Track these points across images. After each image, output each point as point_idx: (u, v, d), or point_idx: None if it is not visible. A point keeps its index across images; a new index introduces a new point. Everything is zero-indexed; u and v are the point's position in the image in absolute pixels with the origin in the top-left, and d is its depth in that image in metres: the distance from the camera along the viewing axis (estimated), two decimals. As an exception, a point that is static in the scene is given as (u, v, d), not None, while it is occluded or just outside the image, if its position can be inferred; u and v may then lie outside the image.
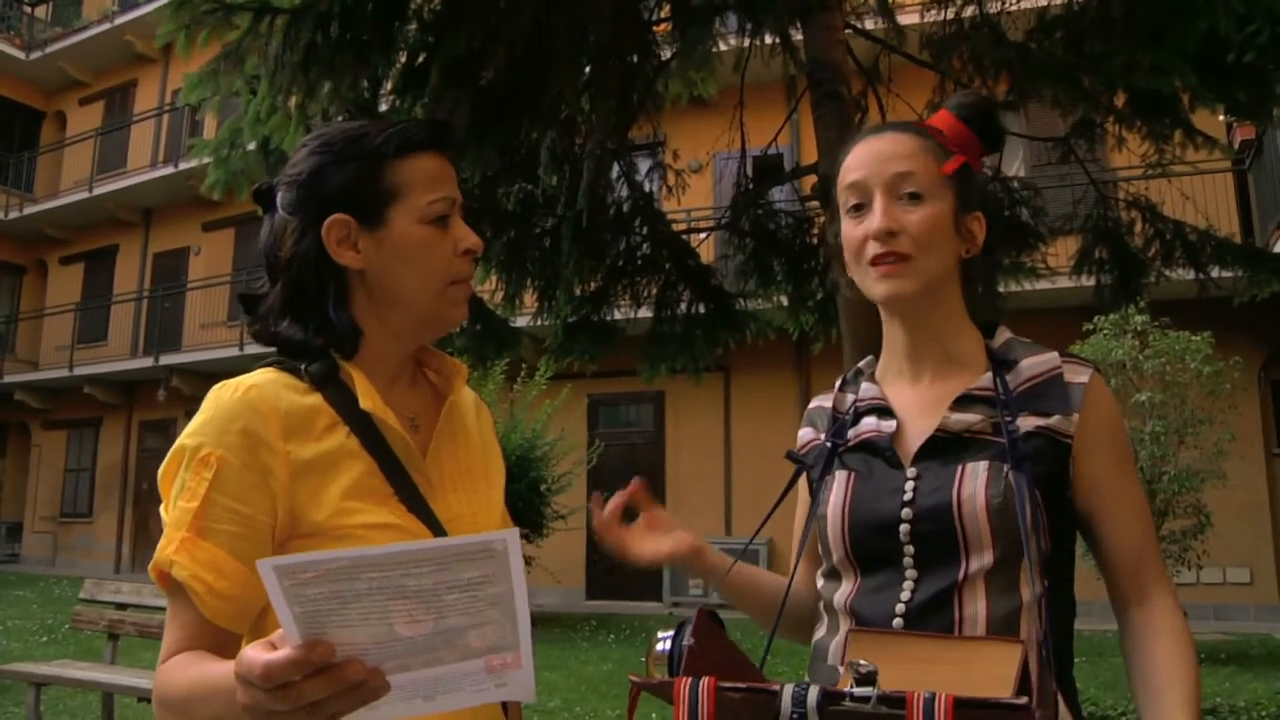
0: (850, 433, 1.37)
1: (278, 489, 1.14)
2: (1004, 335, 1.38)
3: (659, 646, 1.13)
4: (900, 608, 1.23)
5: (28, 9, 22.89)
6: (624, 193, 6.16)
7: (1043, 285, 6.42)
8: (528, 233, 5.78)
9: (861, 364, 1.46)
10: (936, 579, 1.23)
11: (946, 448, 1.28)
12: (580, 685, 7.82)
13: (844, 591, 1.31)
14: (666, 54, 5.47)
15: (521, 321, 6.67)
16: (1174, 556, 8.64)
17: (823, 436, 1.42)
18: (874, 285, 1.31)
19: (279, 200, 1.27)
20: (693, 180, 7.95)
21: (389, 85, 4.56)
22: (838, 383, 1.48)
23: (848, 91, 4.60)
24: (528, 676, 0.90)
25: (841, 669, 1.08)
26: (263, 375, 1.21)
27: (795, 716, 0.82)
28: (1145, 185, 6.36)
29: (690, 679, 0.83)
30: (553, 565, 12.66)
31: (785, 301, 6.36)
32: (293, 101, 3.95)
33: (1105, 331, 8.96)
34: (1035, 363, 1.31)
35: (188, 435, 1.16)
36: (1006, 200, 5.51)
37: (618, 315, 6.37)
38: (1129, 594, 1.28)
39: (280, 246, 1.25)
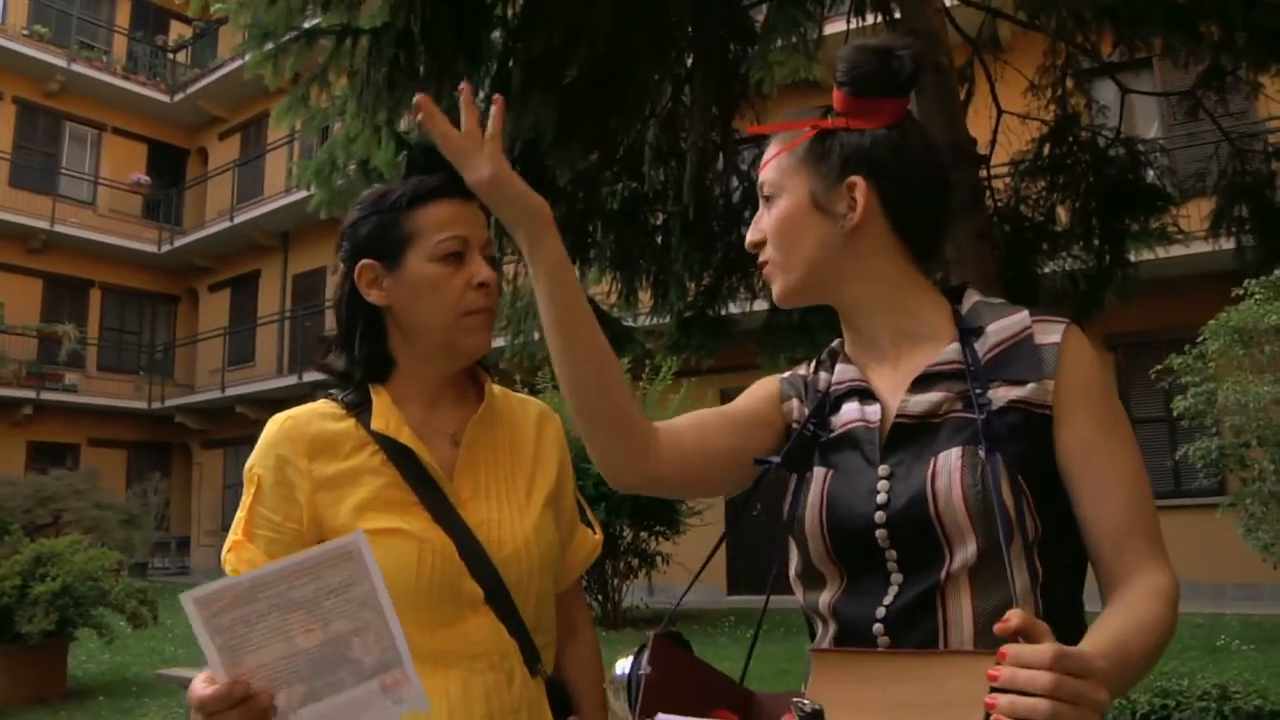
0: (833, 421, 1.28)
1: (303, 500, 1.38)
2: (971, 299, 1.27)
3: (618, 671, 1.09)
4: (881, 611, 1.14)
5: (170, 55, 24.20)
6: (733, 183, 6.09)
7: (1178, 251, 6.08)
8: (635, 230, 5.77)
9: (835, 344, 1.37)
10: (919, 580, 1.13)
11: (917, 436, 1.18)
12: (717, 681, 7.79)
13: (829, 594, 1.23)
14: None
15: (640, 321, 6.67)
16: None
17: (808, 412, 1.32)
18: None
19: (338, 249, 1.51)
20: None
21: (481, 94, 4.59)
22: (812, 363, 1.39)
23: (949, 62, 4.41)
24: (419, 691, 1.07)
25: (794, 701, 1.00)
26: (309, 406, 1.46)
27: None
28: (1287, 135, 5.97)
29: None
30: (692, 563, 12.63)
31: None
32: (380, 117, 4.02)
33: (1257, 296, 8.43)
34: (1003, 326, 1.20)
35: (250, 458, 1.43)
36: (1129, 163, 5.22)
37: (734, 309, 6.32)
38: (1111, 582, 1.12)
39: (336, 288, 1.49)
